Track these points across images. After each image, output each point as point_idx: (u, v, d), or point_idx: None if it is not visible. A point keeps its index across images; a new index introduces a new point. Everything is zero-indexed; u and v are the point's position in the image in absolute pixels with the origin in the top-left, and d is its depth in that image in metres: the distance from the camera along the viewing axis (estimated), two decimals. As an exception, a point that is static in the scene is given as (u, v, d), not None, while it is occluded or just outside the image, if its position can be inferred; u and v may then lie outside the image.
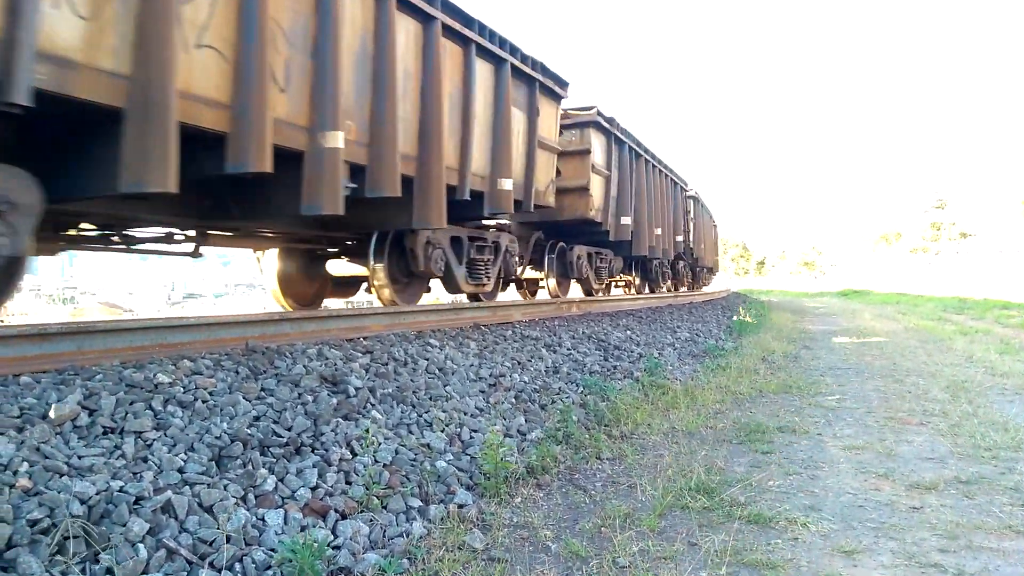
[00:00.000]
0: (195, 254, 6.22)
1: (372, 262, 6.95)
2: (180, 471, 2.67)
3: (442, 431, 3.92)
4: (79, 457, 2.56)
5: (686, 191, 19.46)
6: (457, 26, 6.34)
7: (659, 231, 14.90)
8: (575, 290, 12.53)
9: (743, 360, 8.74)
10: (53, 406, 2.76)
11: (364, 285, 8.02)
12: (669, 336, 10.32)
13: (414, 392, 4.28)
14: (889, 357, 9.58)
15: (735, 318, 15.77)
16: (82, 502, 2.29)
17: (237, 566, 2.36)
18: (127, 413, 2.90)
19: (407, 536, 2.86)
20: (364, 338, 5.20)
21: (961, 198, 69.97)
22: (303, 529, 2.66)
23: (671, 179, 16.76)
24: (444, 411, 4.17)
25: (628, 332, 9.30)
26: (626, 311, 11.83)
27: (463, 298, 8.89)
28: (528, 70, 7.82)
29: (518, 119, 7.74)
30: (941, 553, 2.89)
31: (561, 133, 9.76)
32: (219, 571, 2.30)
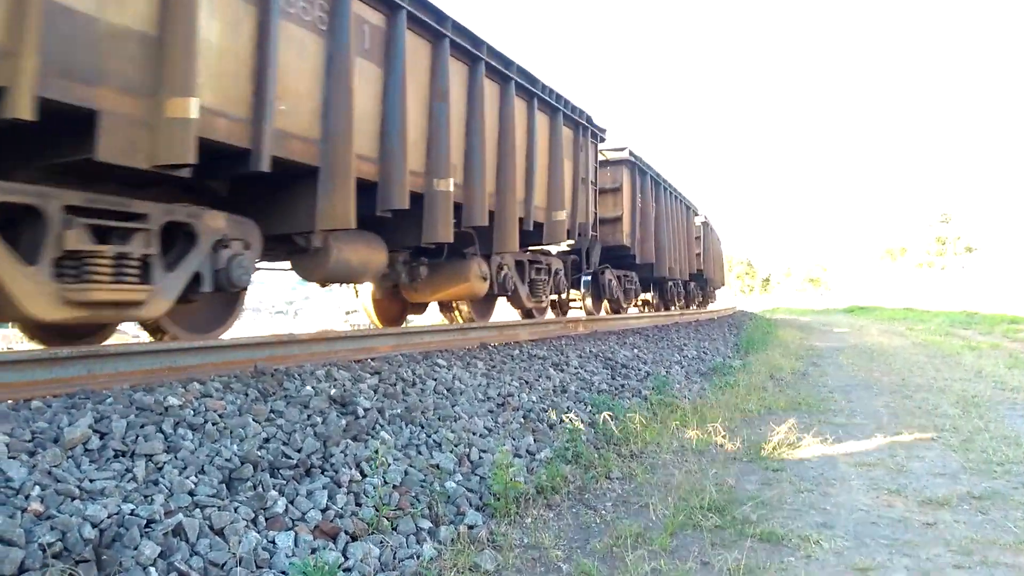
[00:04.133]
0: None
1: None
2: (191, 494, 2.68)
3: (451, 451, 3.92)
4: (91, 480, 2.56)
5: (697, 215, 20.60)
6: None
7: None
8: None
9: (751, 377, 8.70)
10: (65, 429, 2.77)
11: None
12: (676, 354, 10.29)
13: (422, 412, 4.27)
14: (898, 373, 9.53)
15: (742, 335, 15.72)
16: (94, 525, 2.29)
17: (248, 589, 2.35)
18: (138, 436, 2.91)
19: (418, 558, 2.85)
20: (372, 359, 5.21)
21: (966, 212, 69.96)
22: (313, 551, 2.65)
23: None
24: (453, 431, 4.17)
25: (635, 350, 9.28)
26: (632, 329, 11.81)
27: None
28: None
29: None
30: (956, 569, 2.87)
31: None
32: (230, 594, 2.30)
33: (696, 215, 20.47)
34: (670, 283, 17.69)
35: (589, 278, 12.14)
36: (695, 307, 22.16)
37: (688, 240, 18.29)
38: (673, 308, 18.59)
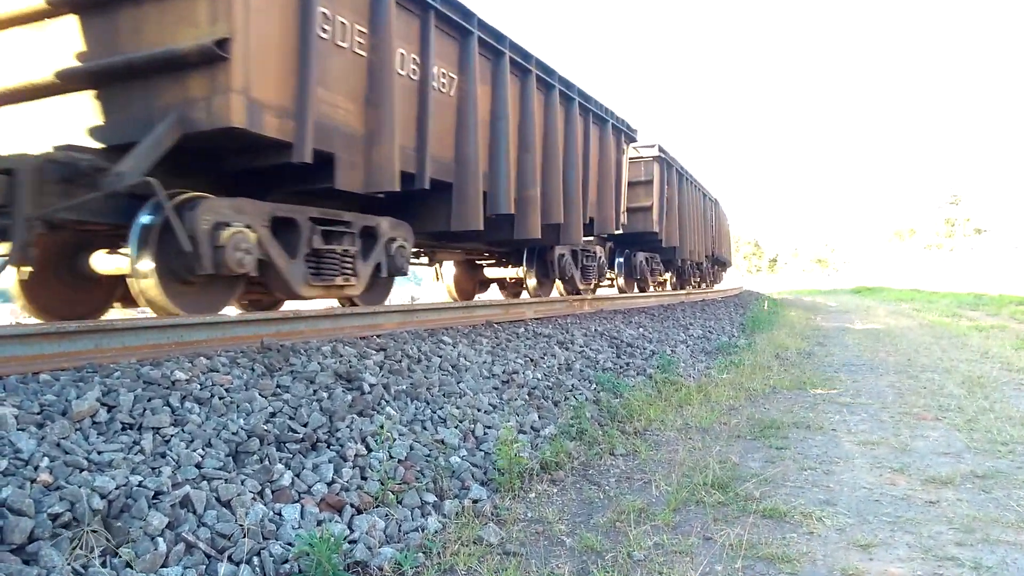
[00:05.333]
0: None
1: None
2: (198, 466, 2.70)
3: (456, 427, 3.94)
4: (99, 452, 2.58)
5: (644, 147, 14.00)
6: None
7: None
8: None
9: (756, 357, 8.71)
10: (73, 402, 2.79)
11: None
12: (682, 333, 10.29)
13: (428, 389, 4.29)
14: (904, 353, 9.52)
15: (748, 316, 15.70)
16: (102, 496, 2.32)
17: (255, 559, 2.38)
18: (145, 409, 2.93)
19: (422, 531, 2.88)
20: (378, 336, 5.22)
21: (975, 193, 69.63)
22: (319, 523, 2.68)
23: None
24: (458, 407, 4.19)
25: (640, 329, 9.28)
26: (638, 308, 11.81)
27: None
28: None
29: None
30: (958, 547, 2.88)
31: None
32: (237, 564, 2.33)
33: (638, 146, 13.24)
34: (560, 252, 9.91)
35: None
36: (655, 289, 15.42)
37: (603, 177, 10.26)
38: (561, 293, 10.72)
